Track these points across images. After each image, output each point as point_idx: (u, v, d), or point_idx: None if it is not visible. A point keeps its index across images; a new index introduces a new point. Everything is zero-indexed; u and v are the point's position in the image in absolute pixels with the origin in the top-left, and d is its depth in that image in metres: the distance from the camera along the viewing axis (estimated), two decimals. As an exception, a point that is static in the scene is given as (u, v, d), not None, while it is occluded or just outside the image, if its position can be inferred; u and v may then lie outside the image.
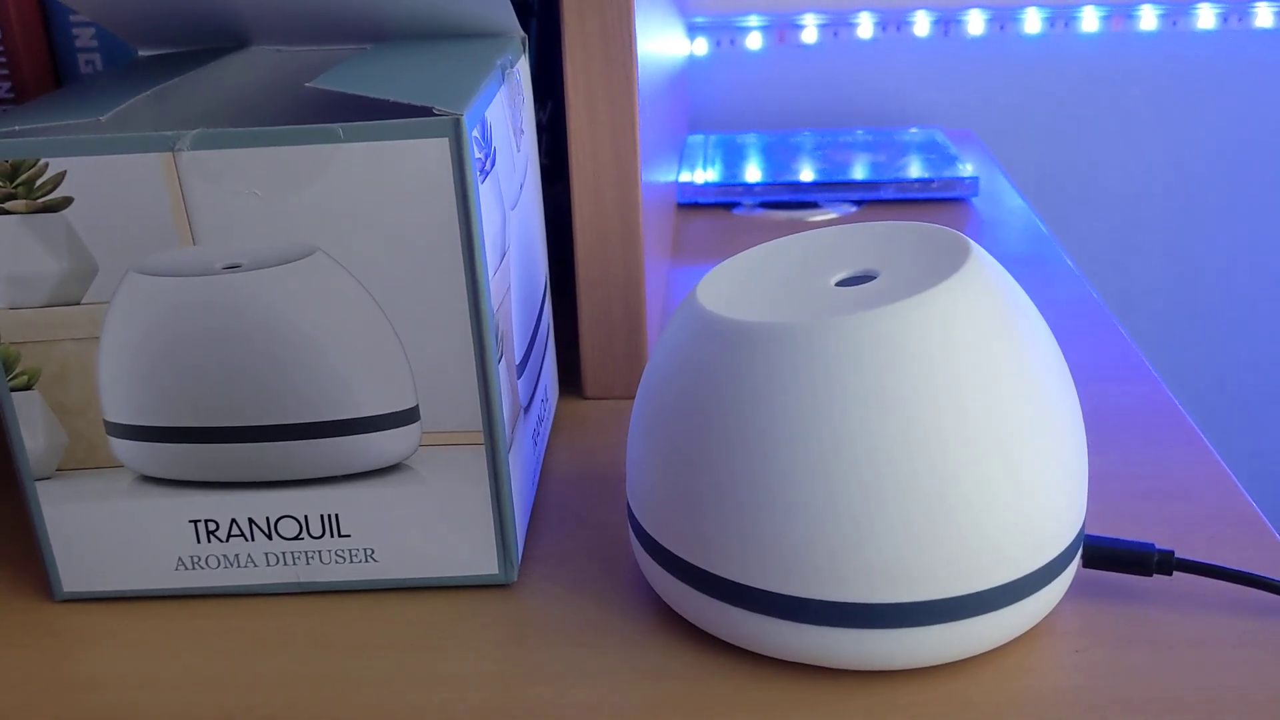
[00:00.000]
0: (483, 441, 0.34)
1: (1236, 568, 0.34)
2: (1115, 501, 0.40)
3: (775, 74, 0.96)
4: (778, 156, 0.84)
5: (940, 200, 0.77)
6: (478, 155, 0.32)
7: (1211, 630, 0.33)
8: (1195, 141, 0.99)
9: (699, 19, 0.95)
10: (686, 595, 0.33)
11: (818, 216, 0.76)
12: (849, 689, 0.32)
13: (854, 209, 0.77)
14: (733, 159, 0.84)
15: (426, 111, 0.31)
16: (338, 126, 0.31)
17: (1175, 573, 0.34)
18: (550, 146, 0.54)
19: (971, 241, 0.33)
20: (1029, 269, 0.64)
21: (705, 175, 0.79)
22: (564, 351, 0.55)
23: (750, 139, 0.90)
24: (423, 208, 0.31)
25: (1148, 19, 0.95)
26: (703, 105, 0.97)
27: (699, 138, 0.91)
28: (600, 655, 0.34)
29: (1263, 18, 0.95)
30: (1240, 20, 0.95)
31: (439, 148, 0.31)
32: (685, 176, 0.79)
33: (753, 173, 0.80)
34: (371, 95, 0.31)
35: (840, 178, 0.78)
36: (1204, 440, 0.44)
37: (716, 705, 0.32)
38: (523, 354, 0.39)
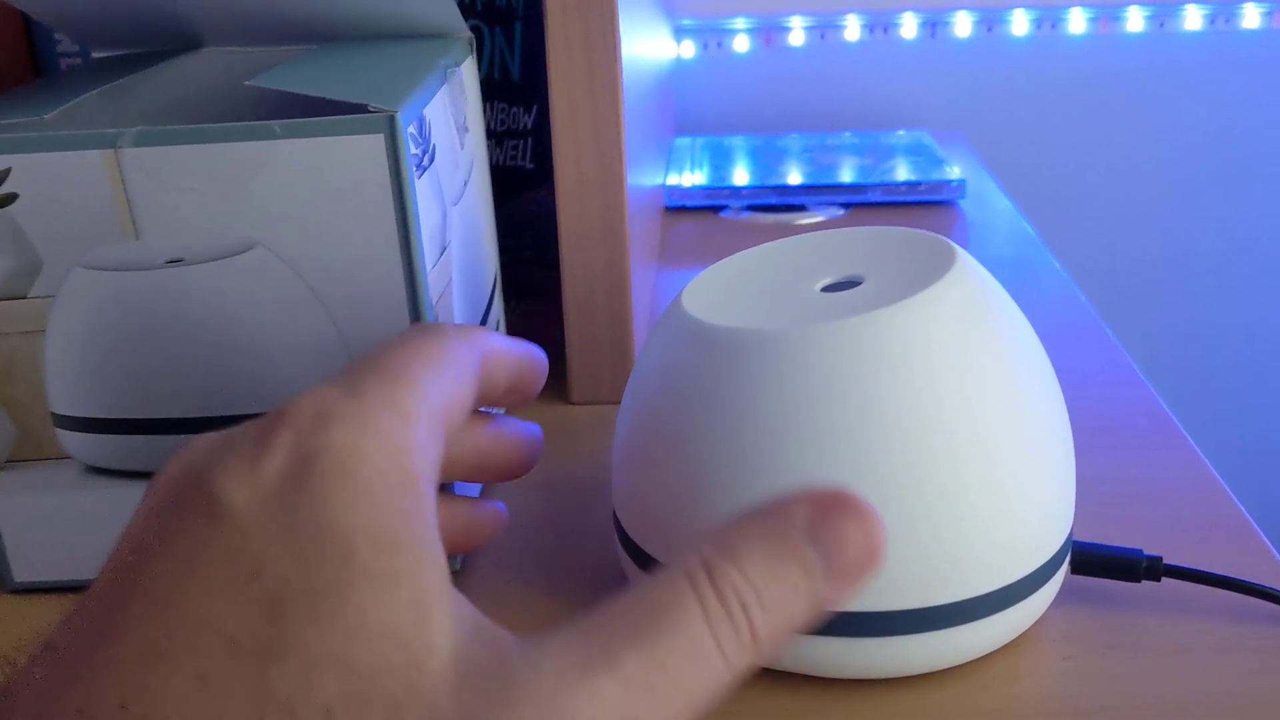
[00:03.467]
0: None
1: (1224, 573, 0.34)
2: (1102, 506, 0.40)
3: (762, 76, 0.96)
4: (765, 159, 0.84)
5: (927, 203, 0.77)
6: (414, 151, 0.32)
7: (1200, 636, 0.33)
8: (1183, 142, 0.99)
9: (685, 21, 0.94)
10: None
11: (805, 219, 0.76)
12: (834, 697, 0.32)
13: (841, 212, 0.77)
14: (720, 162, 0.83)
15: (362, 109, 0.31)
16: (275, 124, 0.31)
17: (1164, 578, 0.34)
18: (536, 150, 0.54)
19: (957, 247, 0.33)
20: (1016, 271, 0.64)
21: (692, 178, 0.79)
22: (550, 356, 0.55)
23: (737, 142, 0.89)
24: (360, 203, 0.32)
25: (1135, 20, 0.95)
26: (689, 108, 0.97)
27: (686, 140, 0.90)
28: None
29: (1250, 19, 0.95)
30: (1227, 21, 0.95)
31: (374, 144, 0.31)
32: (672, 179, 0.79)
33: (740, 176, 0.80)
34: (309, 93, 0.32)
35: (827, 180, 0.78)
36: (1191, 443, 0.44)
37: (702, 715, 0.31)
38: None
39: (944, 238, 0.34)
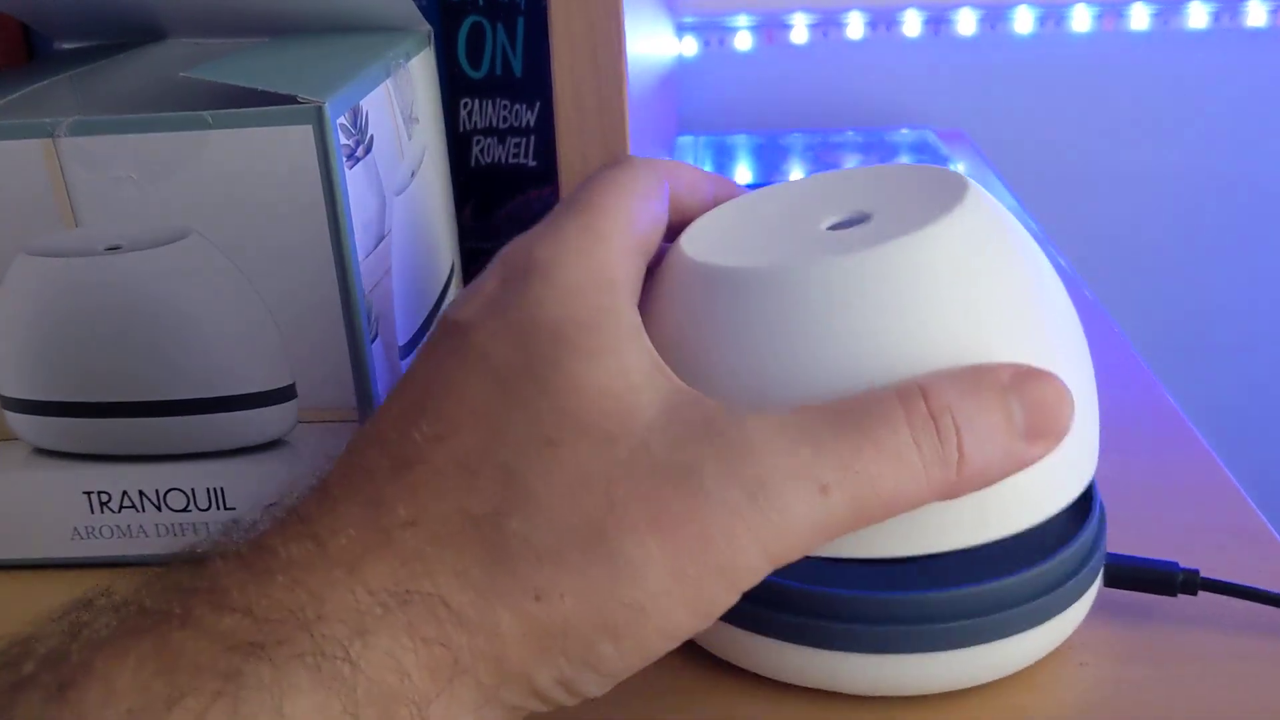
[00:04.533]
0: (357, 419, 0.35)
1: (1262, 588, 0.33)
2: (1118, 511, 0.39)
3: (765, 74, 0.95)
4: (768, 158, 0.83)
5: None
6: (345, 142, 0.33)
7: (1234, 649, 0.32)
8: (1187, 140, 0.98)
9: (688, 18, 0.93)
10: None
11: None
12: (845, 710, 0.30)
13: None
14: (723, 160, 0.82)
15: (292, 100, 0.32)
16: (206, 114, 0.32)
17: (1200, 592, 0.33)
18: (539, 148, 0.53)
19: (970, 180, 0.31)
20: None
21: (694, 177, 0.78)
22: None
23: (740, 140, 0.88)
24: (291, 191, 0.32)
25: (1139, 18, 0.94)
26: (692, 106, 0.95)
27: (688, 139, 0.89)
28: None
29: (1255, 16, 0.94)
30: (1232, 19, 0.94)
31: (303, 134, 0.32)
32: (674, 178, 0.77)
33: (743, 174, 0.78)
34: (240, 84, 0.32)
35: (832, 179, 0.77)
36: (1207, 446, 0.43)
37: (722, 736, 0.30)
38: (409, 337, 0.39)
39: (955, 170, 0.32)
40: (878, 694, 0.30)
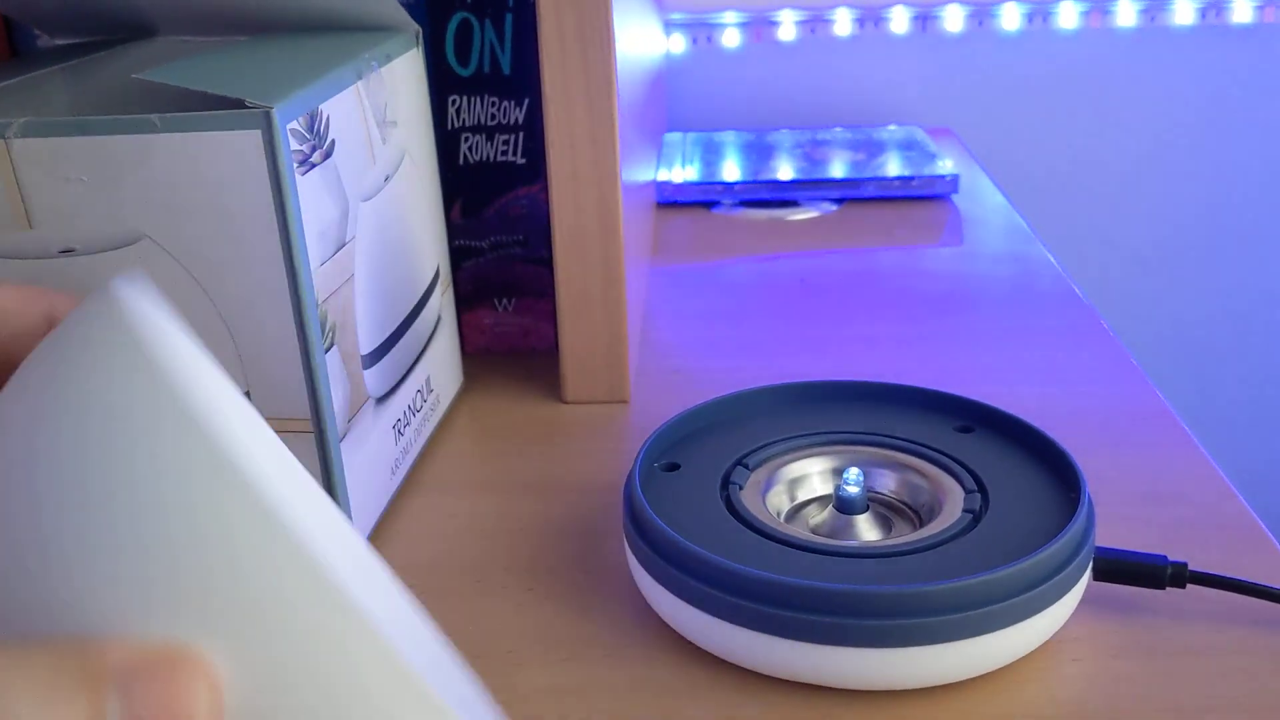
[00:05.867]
0: (311, 430, 0.35)
1: (1249, 580, 0.33)
2: (1109, 507, 0.39)
3: (753, 71, 0.95)
4: (756, 155, 0.83)
5: (921, 198, 0.76)
6: (298, 148, 0.33)
7: (1220, 641, 0.32)
8: (1174, 135, 0.98)
9: (675, 15, 0.93)
10: (686, 613, 0.32)
11: (798, 215, 0.74)
12: (834, 703, 0.30)
13: (834, 207, 0.76)
14: (711, 158, 0.82)
15: (240, 104, 0.32)
16: (154, 117, 0.32)
17: (1188, 585, 0.33)
18: (527, 145, 0.53)
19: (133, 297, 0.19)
20: (1011, 267, 0.63)
21: (684, 174, 0.78)
22: (543, 355, 0.54)
23: (728, 137, 0.88)
24: (241, 197, 0.32)
25: (1126, 14, 0.94)
26: (680, 103, 0.95)
27: (676, 136, 0.89)
28: (589, 667, 0.32)
29: (1240, 13, 0.94)
30: (1218, 15, 0.94)
31: (251, 139, 0.32)
32: (663, 175, 0.77)
33: (731, 171, 0.78)
34: (190, 87, 0.32)
35: (820, 176, 0.77)
36: (1195, 441, 0.43)
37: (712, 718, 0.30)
38: (377, 345, 0.39)
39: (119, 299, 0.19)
40: (865, 688, 0.30)
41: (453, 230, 0.52)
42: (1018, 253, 0.66)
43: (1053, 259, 0.64)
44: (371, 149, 0.39)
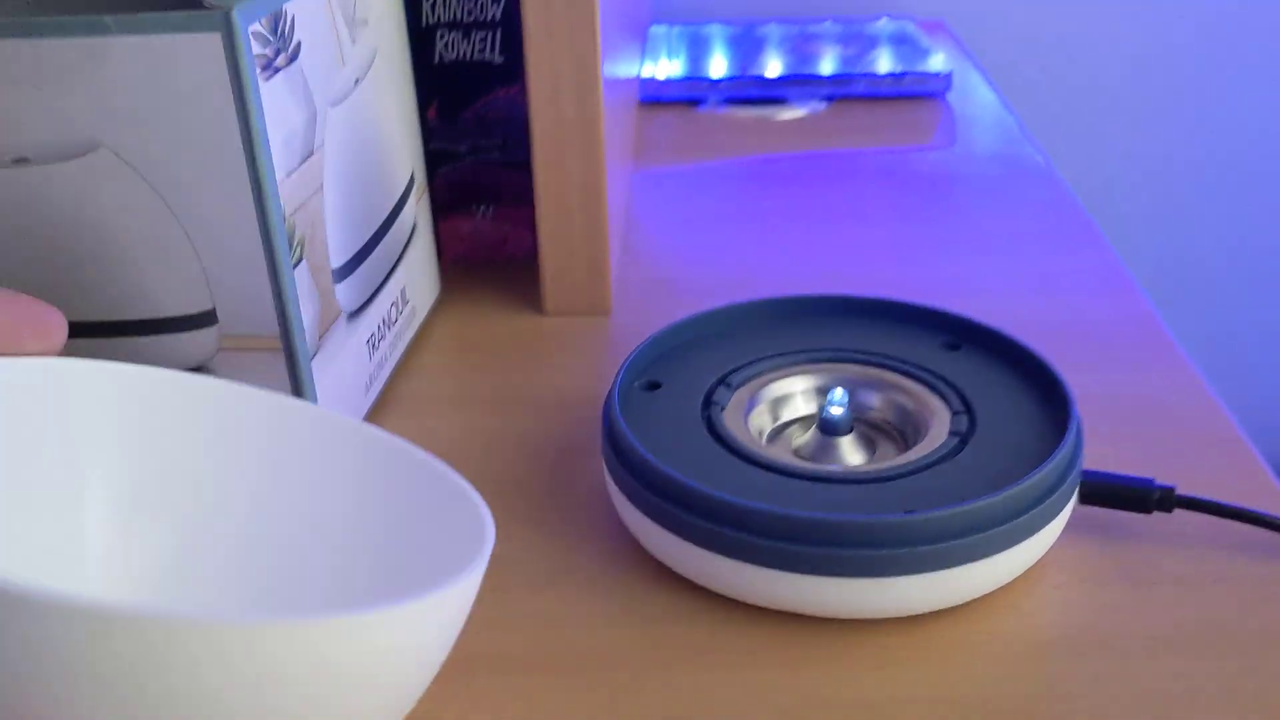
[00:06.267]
0: (280, 347, 0.34)
1: (1232, 503, 0.32)
2: (1096, 426, 0.38)
3: (740, -40, 0.91)
4: (743, 49, 0.80)
5: (912, 96, 0.74)
6: (261, 51, 0.31)
7: (1205, 566, 0.32)
8: (1172, 29, 0.95)
9: (660, -100, 0.89)
10: (667, 540, 0.31)
11: (785, 114, 0.72)
12: (816, 632, 0.30)
13: (824, 105, 0.74)
14: (697, 52, 0.80)
15: (198, 4, 0.30)
16: (107, 19, 0.30)
17: (1175, 509, 0.32)
18: (505, 42, 0.50)
19: None
20: (1003, 169, 0.62)
21: (669, 68, 0.75)
22: (522, 264, 0.52)
23: (715, 30, 0.85)
24: (201, 105, 0.31)
25: (1128, -98, 0.91)
26: (664, -6, 0.92)
27: (662, 29, 0.86)
28: (567, 594, 0.32)
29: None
30: (1223, -97, 0.91)
31: (211, 43, 0.30)
32: (648, 70, 0.75)
33: (718, 66, 0.76)
34: None
35: (808, 72, 0.74)
36: (1186, 359, 0.43)
37: (686, 649, 0.30)
38: (349, 257, 0.38)
39: None
40: (845, 617, 0.30)
41: (429, 133, 0.50)
42: (1010, 155, 0.64)
43: (1040, 158, 0.63)
44: (340, 50, 0.37)
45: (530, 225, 0.52)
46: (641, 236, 0.55)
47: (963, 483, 0.31)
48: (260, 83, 0.31)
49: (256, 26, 0.31)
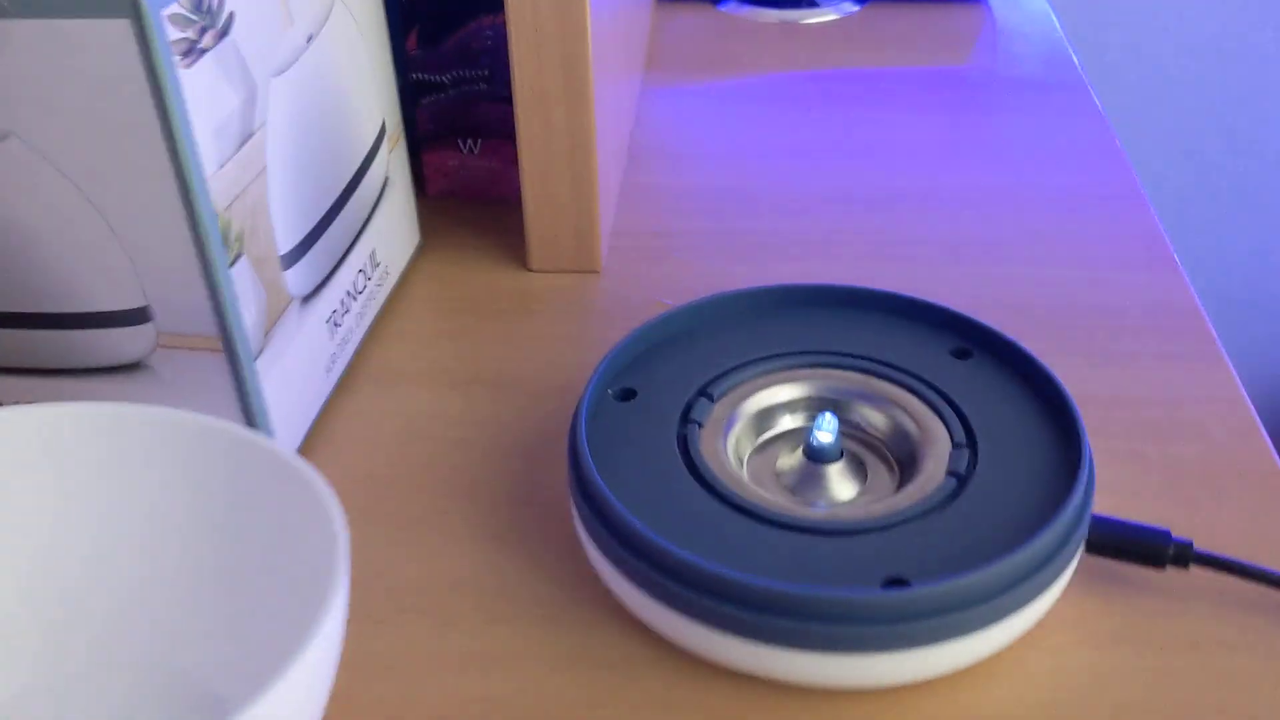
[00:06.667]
0: (221, 348, 0.32)
1: (1259, 566, 0.29)
2: (1113, 439, 0.35)
3: None
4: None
5: (950, 1, 0.68)
6: (182, 35, 0.28)
7: (1217, 631, 0.29)
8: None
9: None
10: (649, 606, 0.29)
11: (814, 18, 0.67)
12: (786, 697, 0.28)
13: (855, 8, 0.68)
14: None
15: None
16: (3, 0, 0.27)
17: (1191, 566, 0.29)
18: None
19: None
20: (1046, 97, 0.57)
21: (688, -36, 0.70)
22: (509, 210, 0.49)
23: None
24: (116, 95, 0.28)
25: None
26: None
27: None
28: (522, 631, 0.29)
29: None
30: None
31: (119, 29, 0.27)
32: (665, -35, 0.69)
33: (742, -39, 0.70)
34: None
35: (841, -30, 0.68)
36: (1224, 358, 0.39)
37: (641, 703, 0.27)
38: (298, 240, 0.35)
39: None
40: (819, 688, 0.27)
41: (410, 63, 0.46)
42: (1055, 79, 0.59)
43: (1093, 93, 0.58)
44: (286, 8, 0.33)
45: (517, 163, 0.48)
46: (644, 171, 0.51)
47: (956, 539, 0.28)
48: (181, 72, 0.27)
49: (174, 7, 0.27)
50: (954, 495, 0.29)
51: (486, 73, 0.47)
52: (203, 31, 0.28)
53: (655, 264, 0.44)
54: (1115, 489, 0.33)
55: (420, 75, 0.47)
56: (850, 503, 0.30)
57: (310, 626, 0.22)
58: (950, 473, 0.30)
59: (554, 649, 0.29)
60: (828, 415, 0.31)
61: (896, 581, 0.27)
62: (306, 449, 0.36)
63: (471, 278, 0.44)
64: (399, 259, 0.43)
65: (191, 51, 0.28)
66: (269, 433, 0.33)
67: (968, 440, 0.31)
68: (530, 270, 0.44)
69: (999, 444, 0.31)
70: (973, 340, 0.34)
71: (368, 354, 0.40)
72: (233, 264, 0.31)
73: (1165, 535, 0.29)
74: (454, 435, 0.36)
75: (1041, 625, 0.29)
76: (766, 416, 0.33)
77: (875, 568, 0.27)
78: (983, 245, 0.45)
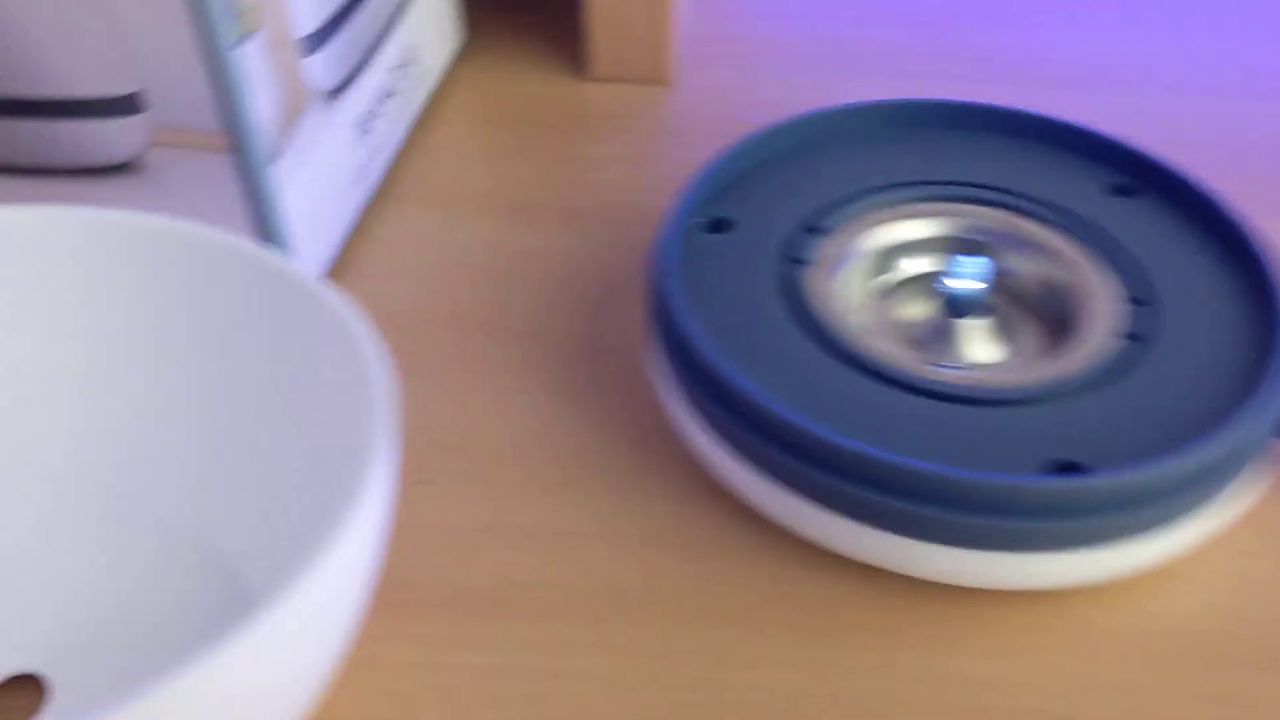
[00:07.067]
0: (227, 148, 0.26)
1: None
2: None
3: None
4: None
5: None
6: None
7: None
8: None
9: None
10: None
11: None
12: (921, 596, 0.23)
13: None
14: None
15: None
16: None
17: None
18: None
19: None
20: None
21: None
22: (568, 14, 0.42)
23: None
24: None
25: None
26: None
27: None
28: (600, 505, 0.25)
29: None
30: None
31: None
32: None
33: None
34: None
35: None
36: None
37: (747, 598, 0.23)
38: (323, 21, 0.29)
39: None
40: (952, 584, 0.23)
41: None
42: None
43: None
44: None
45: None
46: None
47: (1135, 418, 0.23)
48: None
49: None
50: (1132, 363, 0.24)
51: None
52: None
53: (736, 76, 0.38)
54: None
55: None
56: (997, 366, 0.25)
57: (349, 499, 0.17)
58: (1129, 335, 0.24)
59: (635, 525, 0.24)
60: (972, 257, 0.25)
61: (1067, 467, 0.21)
62: (334, 277, 0.31)
63: (522, 86, 0.38)
64: (438, 58, 0.37)
65: None
66: (288, 253, 0.28)
67: (1145, 295, 0.25)
68: (589, 80, 0.38)
69: (1180, 303, 0.25)
70: (1137, 174, 0.28)
71: (401, 170, 0.34)
72: (241, 42, 0.25)
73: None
74: (502, 267, 0.31)
75: (1233, 526, 0.24)
76: (889, 258, 0.27)
77: (1037, 448, 0.22)
78: (1147, 67, 0.38)
